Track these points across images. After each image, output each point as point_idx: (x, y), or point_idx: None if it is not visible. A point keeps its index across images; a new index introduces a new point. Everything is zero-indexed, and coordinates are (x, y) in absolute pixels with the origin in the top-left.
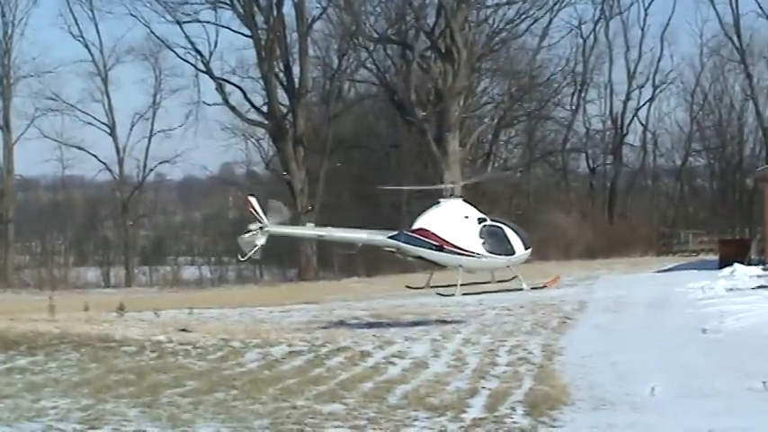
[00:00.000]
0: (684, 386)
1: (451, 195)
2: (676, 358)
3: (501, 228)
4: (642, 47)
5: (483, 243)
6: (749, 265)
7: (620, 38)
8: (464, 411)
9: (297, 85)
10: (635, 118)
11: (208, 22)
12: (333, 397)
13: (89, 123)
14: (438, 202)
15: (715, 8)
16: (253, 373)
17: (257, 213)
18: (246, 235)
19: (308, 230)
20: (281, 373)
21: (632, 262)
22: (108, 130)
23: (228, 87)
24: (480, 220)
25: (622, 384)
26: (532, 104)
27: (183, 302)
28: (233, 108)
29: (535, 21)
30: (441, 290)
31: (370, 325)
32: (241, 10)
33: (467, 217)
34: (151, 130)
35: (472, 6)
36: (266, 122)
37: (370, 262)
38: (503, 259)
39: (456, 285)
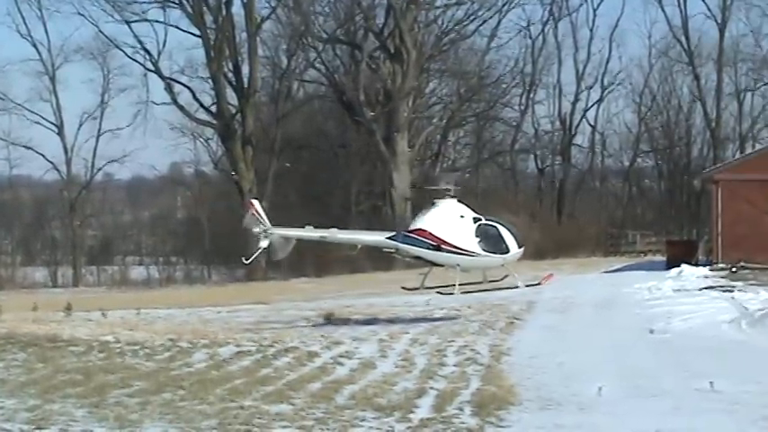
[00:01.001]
0: (632, 386)
1: (446, 196)
2: (624, 358)
3: (496, 227)
4: (591, 48)
5: (479, 242)
6: (696, 265)
7: (569, 39)
8: (412, 412)
9: (246, 85)
10: (583, 119)
11: (156, 21)
12: (280, 397)
13: (37, 123)
14: (434, 203)
15: (663, 10)
16: (200, 373)
17: (260, 216)
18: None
19: (311, 232)
20: (229, 374)
21: (580, 262)
22: (56, 130)
23: (177, 87)
24: (476, 220)
25: (569, 384)
26: (481, 105)
27: (130, 302)
28: (182, 108)
29: (484, 22)
30: (441, 289)
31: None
32: (190, 9)
33: (462, 217)
34: (99, 130)
35: (421, 7)
36: (215, 122)
37: (318, 262)
38: (498, 258)
39: (454, 285)
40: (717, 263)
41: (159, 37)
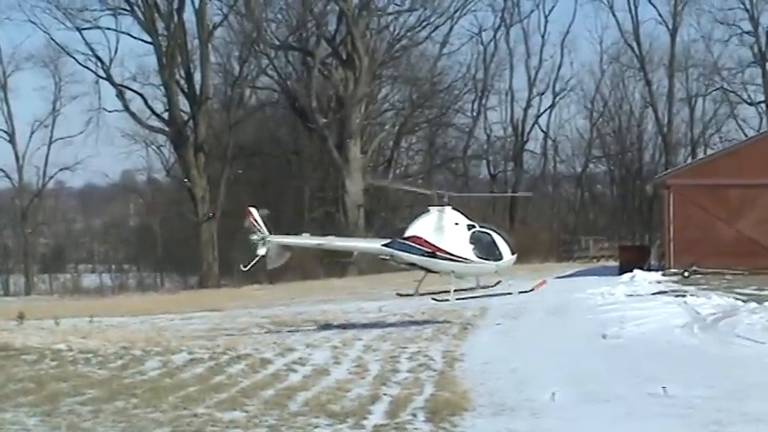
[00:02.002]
0: (584, 392)
1: (441, 203)
2: (577, 364)
3: (489, 234)
4: (542, 54)
5: (473, 249)
6: (649, 270)
7: (521, 45)
8: (365, 418)
9: (198, 92)
10: (535, 125)
11: (108, 28)
12: (233, 404)
13: None
14: (428, 210)
15: (615, 16)
16: (153, 381)
17: (258, 224)
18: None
19: (308, 240)
20: (182, 381)
21: (533, 268)
22: (7, 137)
23: (129, 94)
24: (470, 227)
25: (523, 390)
26: (433, 111)
27: (83, 310)
28: (133, 115)
29: (436, 28)
30: (435, 296)
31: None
32: (141, 17)
33: (457, 224)
34: (51, 138)
35: (373, 13)
36: (167, 129)
37: (271, 269)
38: (492, 264)
39: (449, 291)
40: (669, 268)
41: (111, 44)
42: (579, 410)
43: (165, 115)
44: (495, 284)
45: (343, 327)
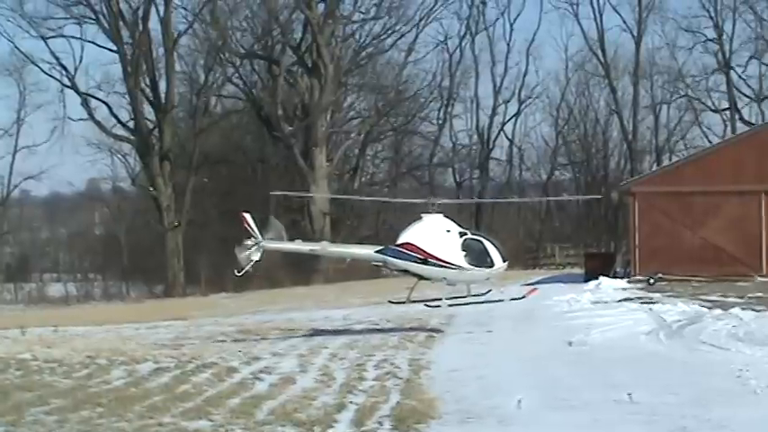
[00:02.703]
0: (551, 398)
1: (432, 210)
2: (543, 371)
3: (481, 241)
4: (508, 62)
5: (465, 256)
6: (614, 278)
7: (486, 53)
8: (331, 426)
9: (163, 101)
10: (501, 132)
11: (73, 37)
12: (199, 413)
13: None
14: (420, 218)
15: (579, 23)
16: (119, 390)
17: (252, 229)
18: (244, 252)
19: (302, 246)
20: (148, 391)
21: (501, 275)
22: None
23: (94, 103)
24: (461, 234)
25: (489, 397)
26: (399, 119)
27: (48, 320)
28: (99, 123)
29: (401, 36)
30: (428, 303)
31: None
32: (107, 25)
33: (449, 231)
34: (15, 146)
35: (338, 21)
36: (132, 138)
37: (237, 277)
38: (484, 272)
39: (441, 298)
40: (634, 275)
41: (76, 53)
42: (545, 417)
43: (131, 124)
44: (487, 292)
45: (310, 335)
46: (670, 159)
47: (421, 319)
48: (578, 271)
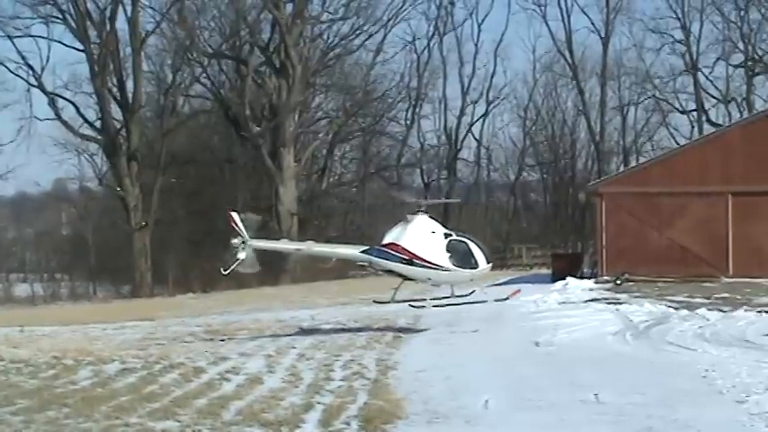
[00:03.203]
0: (518, 399)
1: (417, 212)
2: (510, 371)
3: (465, 243)
4: (476, 62)
5: (450, 257)
6: (581, 278)
7: (454, 53)
8: (299, 427)
9: (130, 100)
10: (469, 133)
11: (40, 36)
12: (166, 414)
13: None
14: (406, 218)
15: (547, 24)
16: (85, 390)
17: (239, 228)
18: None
19: (287, 245)
20: (114, 391)
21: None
22: None
23: (61, 102)
24: (446, 235)
25: (456, 398)
26: (367, 120)
27: (14, 320)
28: (66, 123)
29: (369, 36)
30: (412, 303)
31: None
32: (74, 24)
33: (434, 232)
34: None
35: (307, 21)
36: (99, 138)
37: (205, 278)
38: (468, 272)
39: (426, 298)
40: (601, 275)
41: (43, 52)
42: (512, 417)
43: (98, 123)
44: (471, 293)
45: (277, 335)
46: (637, 160)
47: (388, 320)
48: (545, 271)
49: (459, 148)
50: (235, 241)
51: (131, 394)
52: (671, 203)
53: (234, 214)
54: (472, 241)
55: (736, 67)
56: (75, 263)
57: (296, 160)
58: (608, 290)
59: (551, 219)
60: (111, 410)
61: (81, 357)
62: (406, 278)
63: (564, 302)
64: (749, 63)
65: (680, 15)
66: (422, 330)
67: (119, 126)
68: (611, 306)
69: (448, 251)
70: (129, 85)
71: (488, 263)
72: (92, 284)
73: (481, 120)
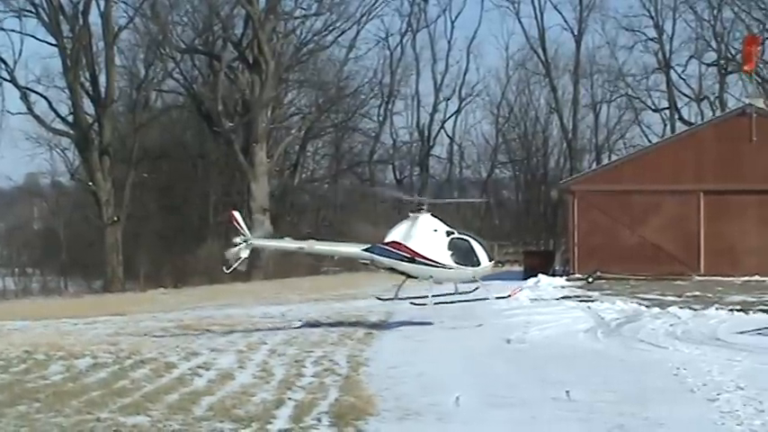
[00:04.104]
0: (489, 396)
1: (419, 210)
2: (481, 368)
3: (467, 241)
4: (449, 59)
5: (451, 255)
6: (553, 275)
7: (427, 50)
8: (270, 422)
9: (103, 95)
10: (441, 130)
11: (12, 30)
12: (137, 409)
13: None
14: (409, 217)
15: (520, 22)
16: (56, 385)
17: (241, 227)
18: (233, 248)
19: (290, 243)
20: (86, 386)
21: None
22: None
23: (33, 96)
24: (448, 233)
25: (428, 394)
26: (340, 116)
27: None
28: (38, 117)
29: (342, 32)
30: (414, 300)
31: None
32: (46, 18)
33: (436, 230)
34: None
35: (280, 17)
36: (72, 132)
37: (176, 273)
38: (470, 270)
39: (428, 296)
40: (573, 273)
41: (15, 46)
42: (484, 415)
43: (70, 118)
44: (474, 290)
45: (249, 331)
46: (609, 158)
47: (360, 316)
48: (517, 269)
49: (431, 144)
50: (237, 240)
51: (102, 389)
52: (643, 201)
53: (236, 213)
54: (474, 239)
55: (708, 65)
56: (46, 257)
57: (268, 156)
58: (580, 287)
59: (523, 216)
60: (82, 405)
61: (52, 352)
62: (408, 276)
63: (536, 300)
64: (722, 61)
65: (653, 14)
66: (393, 327)
67: (91, 121)
68: (582, 304)
69: (450, 249)
70: (102, 79)
71: (490, 260)
72: (63, 279)
73: (454, 116)
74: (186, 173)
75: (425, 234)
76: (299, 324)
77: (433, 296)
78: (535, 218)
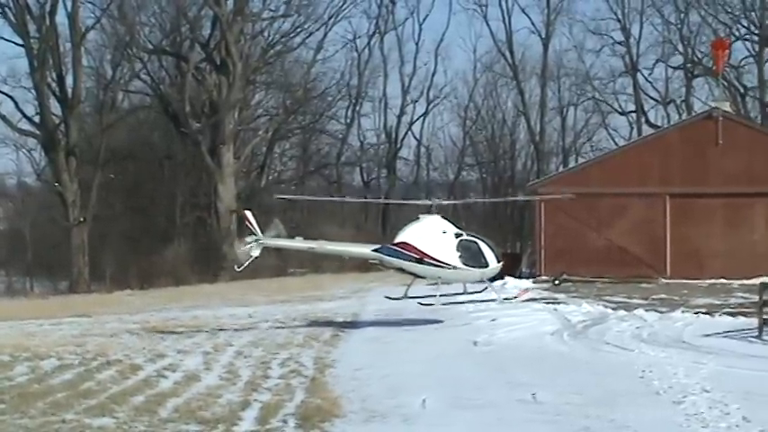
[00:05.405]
0: (456, 398)
1: (429, 211)
2: (448, 370)
3: (476, 242)
4: (416, 62)
5: (460, 256)
6: (520, 278)
7: (395, 52)
8: (236, 424)
9: (70, 96)
10: (409, 132)
11: None
12: (103, 410)
13: None
14: (418, 218)
15: (488, 25)
16: (22, 386)
17: (252, 226)
18: (245, 247)
19: (300, 243)
20: (51, 387)
21: (405, 275)
22: None
23: None
24: (457, 235)
25: (394, 396)
26: (307, 117)
27: None
28: (4, 118)
29: (310, 34)
30: (421, 300)
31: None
32: (13, 18)
33: (445, 232)
34: None
35: (247, 19)
36: (38, 133)
37: (143, 274)
38: (478, 272)
39: (435, 296)
40: (540, 275)
41: None
42: (450, 416)
43: (37, 118)
44: (482, 290)
45: (215, 332)
46: (576, 161)
47: (327, 318)
48: None
49: (398, 146)
50: (248, 239)
51: (68, 390)
52: (609, 204)
53: (248, 213)
54: (483, 241)
55: (675, 68)
56: (12, 258)
57: (235, 157)
58: (546, 290)
59: (490, 218)
60: (47, 407)
61: (17, 353)
62: (417, 277)
63: (487, 303)
64: (688, 65)
65: (620, 17)
66: (360, 329)
67: (58, 121)
68: (549, 306)
69: (458, 250)
70: (69, 80)
71: (499, 262)
72: (29, 280)
73: (421, 119)
74: (153, 174)
75: (434, 235)
76: (266, 326)
77: (441, 296)
78: (502, 220)
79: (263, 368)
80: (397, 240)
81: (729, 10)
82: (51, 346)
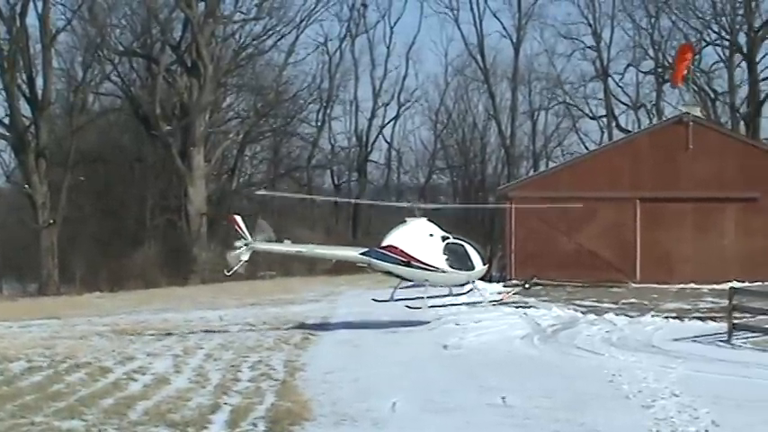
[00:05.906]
0: (426, 401)
1: (415, 215)
2: (418, 374)
3: (462, 245)
4: (388, 65)
5: (447, 259)
6: (490, 282)
7: (366, 56)
8: (205, 427)
9: (40, 97)
10: (380, 135)
11: None
12: (72, 413)
13: None
14: (405, 221)
15: (459, 28)
16: None
17: (242, 231)
18: (235, 251)
19: (289, 247)
20: (20, 390)
21: (377, 279)
22: None
23: None
24: (444, 238)
25: (364, 400)
26: (278, 120)
27: None
28: None
29: (282, 37)
30: (409, 303)
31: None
32: None
33: (431, 235)
34: None
35: (219, 21)
36: (8, 134)
37: (113, 277)
38: (464, 274)
39: (422, 298)
40: (510, 279)
41: None
42: (420, 420)
43: (6, 120)
44: (467, 292)
45: (185, 335)
46: (547, 165)
47: (297, 321)
48: None
49: (369, 150)
50: (238, 243)
51: (37, 393)
52: (580, 208)
53: (237, 217)
54: (469, 244)
55: (646, 73)
56: None
57: (206, 160)
58: (516, 293)
59: (461, 222)
60: (16, 409)
61: None
62: (404, 279)
63: (472, 305)
64: (659, 70)
65: (591, 21)
66: (330, 332)
67: (27, 123)
68: (519, 310)
69: (445, 253)
70: (39, 81)
71: (485, 265)
72: None
73: (392, 122)
74: (123, 176)
75: (421, 238)
76: (237, 329)
77: (428, 298)
78: (472, 224)
79: (234, 371)
80: (384, 243)
81: (700, 15)
82: (20, 349)
